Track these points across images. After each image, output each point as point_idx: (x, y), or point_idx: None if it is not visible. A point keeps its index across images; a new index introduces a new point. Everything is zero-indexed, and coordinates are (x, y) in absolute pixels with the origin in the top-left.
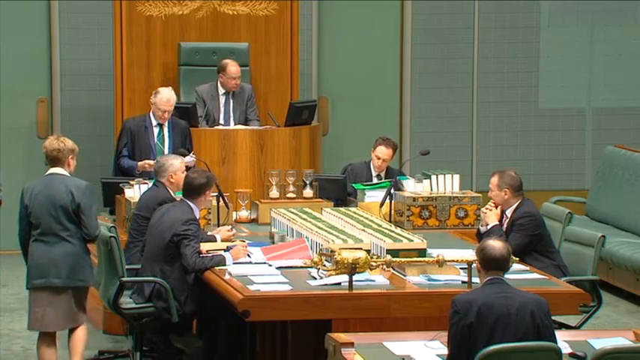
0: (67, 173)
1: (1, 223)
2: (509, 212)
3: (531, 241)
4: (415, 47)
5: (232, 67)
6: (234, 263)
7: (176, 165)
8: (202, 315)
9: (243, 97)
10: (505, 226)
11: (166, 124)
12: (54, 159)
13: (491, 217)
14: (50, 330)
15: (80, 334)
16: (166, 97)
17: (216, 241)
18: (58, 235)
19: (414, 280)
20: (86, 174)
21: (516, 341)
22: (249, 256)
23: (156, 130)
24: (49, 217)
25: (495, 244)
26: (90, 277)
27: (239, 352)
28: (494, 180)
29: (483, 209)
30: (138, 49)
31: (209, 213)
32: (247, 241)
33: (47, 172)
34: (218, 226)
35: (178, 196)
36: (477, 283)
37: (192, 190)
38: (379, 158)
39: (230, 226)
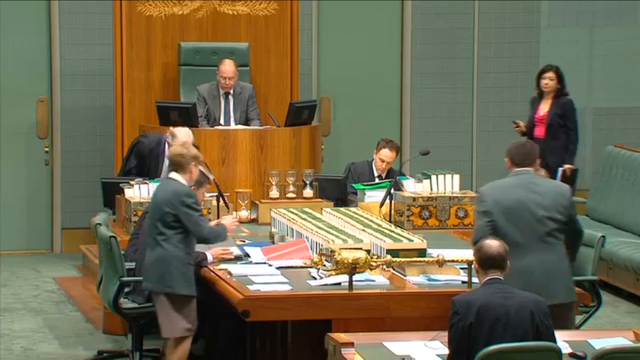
0: (180, 179)
1: (1, 223)
2: None
3: None
4: (415, 47)
5: (225, 66)
6: (213, 262)
7: None
8: (202, 315)
9: (244, 97)
10: None
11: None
12: (175, 164)
13: None
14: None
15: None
16: (183, 137)
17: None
18: (154, 239)
19: (414, 280)
20: (86, 174)
21: (516, 341)
22: (249, 256)
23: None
24: (151, 219)
25: (492, 243)
26: (177, 284)
27: (239, 352)
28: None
29: None
30: (138, 49)
31: (209, 213)
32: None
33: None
34: None
35: None
36: (477, 283)
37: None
38: (383, 161)
39: (233, 216)
